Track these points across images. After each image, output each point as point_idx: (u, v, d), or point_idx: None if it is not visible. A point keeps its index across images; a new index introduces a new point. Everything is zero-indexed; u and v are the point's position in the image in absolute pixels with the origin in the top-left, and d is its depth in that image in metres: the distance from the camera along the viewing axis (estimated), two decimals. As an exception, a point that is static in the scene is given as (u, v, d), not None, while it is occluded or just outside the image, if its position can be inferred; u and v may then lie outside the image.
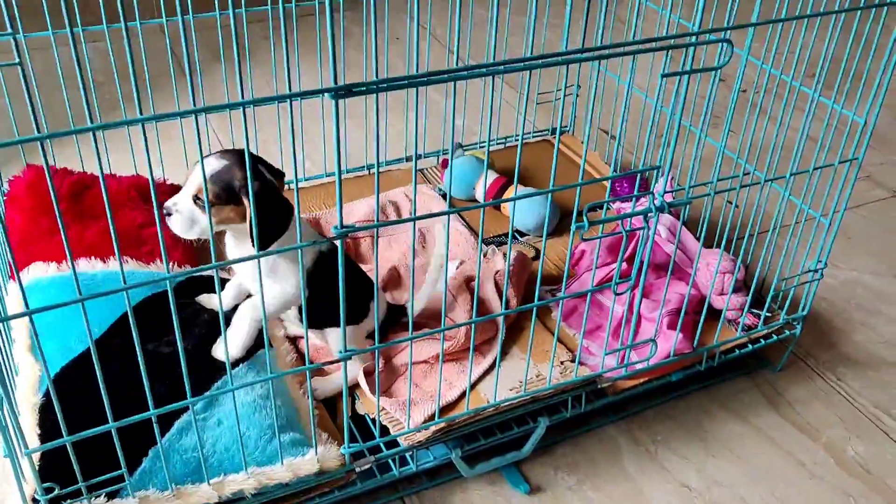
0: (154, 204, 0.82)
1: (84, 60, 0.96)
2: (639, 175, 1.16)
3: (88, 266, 1.34)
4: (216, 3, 1.51)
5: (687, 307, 1.34)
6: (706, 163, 1.68)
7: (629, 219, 1.18)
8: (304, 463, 1.12)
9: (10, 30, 1.07)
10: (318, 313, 1.20)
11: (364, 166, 1.82)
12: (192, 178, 1.15)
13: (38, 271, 1.32)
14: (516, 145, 1.97)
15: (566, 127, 2.02)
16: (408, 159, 1.86)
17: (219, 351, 1.23)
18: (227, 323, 1.24)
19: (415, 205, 0.93)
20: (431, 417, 1.20)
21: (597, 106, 1.80)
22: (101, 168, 0.76)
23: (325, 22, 0.72)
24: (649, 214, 1.16)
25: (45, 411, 1.11)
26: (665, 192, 1.20)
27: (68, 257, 0.79)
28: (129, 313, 0.88)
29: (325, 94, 0.81)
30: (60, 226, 0.77)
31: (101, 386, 0.91)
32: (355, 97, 0.82)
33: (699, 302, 1.43)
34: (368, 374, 1.28)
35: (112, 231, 0.81)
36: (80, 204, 1.47)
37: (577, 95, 1.94)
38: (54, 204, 0.76)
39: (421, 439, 1.19)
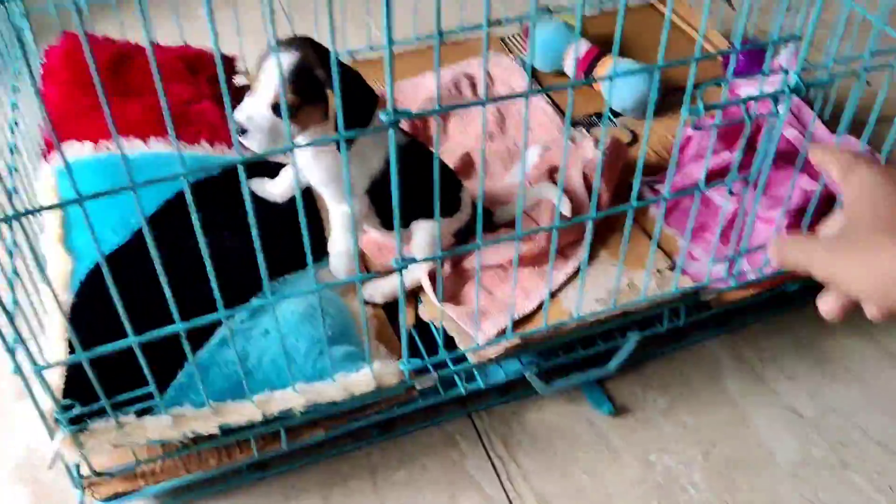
0: (157, 82, 0.65)
1: None
2: (770, 47, 0.93)
3: (127, 148, 1.21)
4: None
5: (814, 207, 1.12)
6: (845, 35, 1.41)
7: (754, 102, 0.96)
8: (360, 379, 0.99)
9: None
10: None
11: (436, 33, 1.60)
12: (267, 79, 0.94)
13: (73, 151, 1.19)
14: (614, 10, 1.72)
15: (673, -13, 1.75)
16: (489, 24, 1.62)
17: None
18: (273, 214, 1.09)
19: (485, 85, 0.74)
20: (504, 331, 1.05)
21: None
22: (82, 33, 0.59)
23: None
24: (781, 97, 0.94)
25: (77, 313, 1.01)
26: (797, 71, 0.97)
27: (59, 151, 0.64)
28: (142, 223, 0.74)
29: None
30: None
31: (114, 298, 0.78)
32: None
33: (827, 201, 1.20)
34: (434, 276, 1.13)
35: (108, 118, 0.66)
36: (122, 77, 1.33)
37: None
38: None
39: (491, 356, 1.04)
